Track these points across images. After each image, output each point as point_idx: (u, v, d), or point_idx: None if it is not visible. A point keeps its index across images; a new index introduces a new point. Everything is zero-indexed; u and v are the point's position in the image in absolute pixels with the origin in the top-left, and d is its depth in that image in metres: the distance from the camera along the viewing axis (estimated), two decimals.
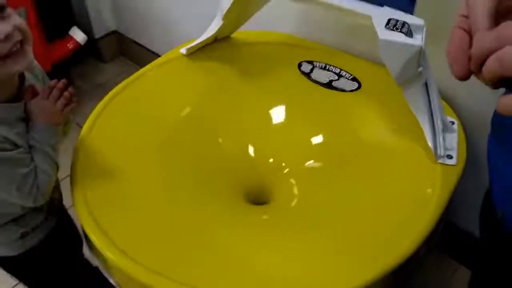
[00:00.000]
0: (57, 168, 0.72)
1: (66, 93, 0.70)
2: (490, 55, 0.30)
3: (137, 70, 1.06)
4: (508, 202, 0.55)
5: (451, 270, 1.23)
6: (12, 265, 0.83)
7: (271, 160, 1.00)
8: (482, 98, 0.96)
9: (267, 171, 0.99)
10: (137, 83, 1.01)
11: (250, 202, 0.94)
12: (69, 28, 1.66)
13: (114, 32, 1.97)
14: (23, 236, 0.77)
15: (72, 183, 0.80)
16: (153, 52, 1.83)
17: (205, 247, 0.76)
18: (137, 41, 1.90)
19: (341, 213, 0.84)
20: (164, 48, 1.73)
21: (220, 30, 1.05)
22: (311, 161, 0.99)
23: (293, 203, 0.93)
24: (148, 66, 1.06)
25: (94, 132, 0.90)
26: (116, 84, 1.02)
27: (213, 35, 1.07)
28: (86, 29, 1.78)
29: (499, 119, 0.56)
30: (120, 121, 0.94)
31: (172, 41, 1.64)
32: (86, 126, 0.91)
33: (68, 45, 1.61)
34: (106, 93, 0.98)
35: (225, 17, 0.99)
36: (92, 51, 1.92)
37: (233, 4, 0.94)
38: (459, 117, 0.92)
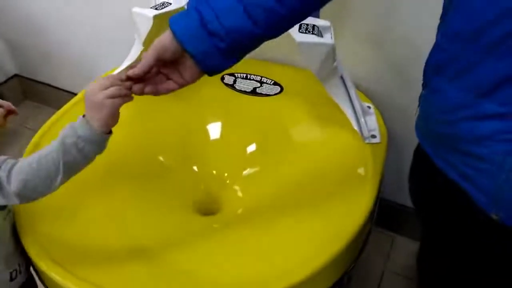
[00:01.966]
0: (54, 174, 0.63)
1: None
2: None
3: (48, 110, 1.03)
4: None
5: (389, 241, 1.36)
6: None
7: (214, 172, 1.04)
8: (388, 84, 1.10)
9: (212, 183, 1.02)
10: (66, 118, 0.99)
11: (201, 214, 0.97)
12: None
13: (15, 76, 1.88)
14: (12, 276, 0.75)
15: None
16: (62, 89, 1.77)
17: (155, 261, 0.76)
18: (43, 81, 1.82)
19: (286, 208, 0.88)
20: (73, 83, 1.70)
21: (139, 57, 1.07)
22: (251, 167, 1.04)
23: (240, 209, 0.97)
24: (72, 101, 1.05)
25: None
26: (28, 128, 0.99)
27: (133, 62, 1.08)
28: None
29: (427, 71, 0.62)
30: None
31: (82, 75, 1.62)
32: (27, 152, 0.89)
33: None
34: (19, 139, 0.96)
35: (144, 43, 1.01)
36: None
37: (150, 30, 0.97)
38: (372, 101, 1.04)
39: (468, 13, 0.49)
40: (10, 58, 1.83)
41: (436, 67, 0.57)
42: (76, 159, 0.63)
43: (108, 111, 0.62)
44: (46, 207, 0.79)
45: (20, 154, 0.91)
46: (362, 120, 0.92)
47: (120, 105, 0.63)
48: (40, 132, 0.97)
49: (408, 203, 1.26)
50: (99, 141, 0.64)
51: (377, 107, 1.02)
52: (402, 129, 1.12)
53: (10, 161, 0.64)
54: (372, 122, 0.95)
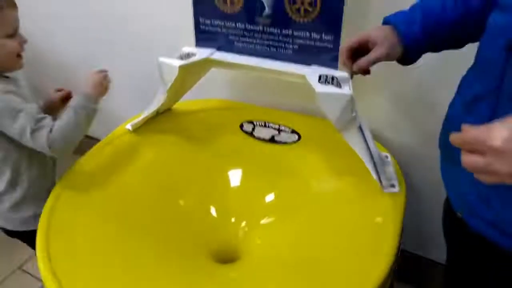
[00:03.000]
0: (81, 134, 0.93)
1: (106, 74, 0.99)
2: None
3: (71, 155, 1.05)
4: (463, 204, 0.67)
5: None
6: (25, 237, 1.04)
7: (232, 219, 1.04)
8: (405, 135, 1.11)
9: (230, 230, 1.02)
10: (91, 160, 1.02)
11: (218, 261, 0.96)
12: None
13: None
14: (35, 216, 0.94)
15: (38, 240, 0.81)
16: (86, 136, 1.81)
17: None
18: None
19: (304, 259, 0.87)
20: (96, 130, 1.74)
21: (162, 104, 1.11)
22: (269, 216, 1.03)
23: (258, 259, 0.96)
24: (98, 145, 1.08)
25: (59, 204, 0.90)
26: None
27: (156, 109, 1.12)
28: None
29: (444, 142, 0.68)
30: (82, 194, 0.95)
31: (104, 123, 1.66)
32: (49, 200, 0.91)
33: None
34: None
35: (168, 91, 1.05)
36: None
37: (175, 79, 1.01)
38: (389, 151, 1.05)
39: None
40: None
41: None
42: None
43: (104, 92, 0.98)
44: (69, 250, 0.80)
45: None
46: (380, 169, 0.92)
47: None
48: (63, 180, 0.98)
49: (429, 255, 1.24)
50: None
51: (395, 157, 1.03)
52: (420, 179, 1.12)
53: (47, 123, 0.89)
54: (391, 171, 0.95)
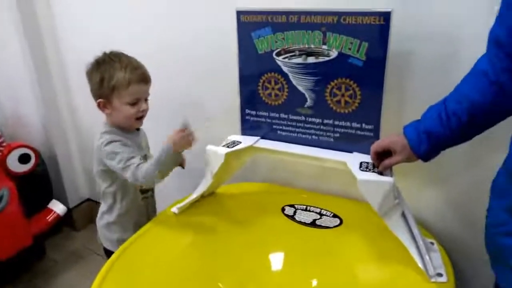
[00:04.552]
0: (160, 175, 1.05)
1: (190, 134, 1.04)
2: None
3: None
4: None
5: None
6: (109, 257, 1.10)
7: None
8: (451, 221, 1.09)
9: None
10: (137, 244, 1.06)
11: None
12: (48, 201, 1.71)
13: (88, 200, 2.03)
14: (118, 240, 1.18)
15: None
16: None
17: None
18: None
19: None
20: None
21: (207, 188, 1.16)
22: None
23: None
24: (145, 227, 1.12)
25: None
26: (90, 249, 1.04)
27: (201, 193, 1.17)
28: (61, 199, 1.84)
29: (497, 247, 0.69)
30: (126, 279, 0.97)
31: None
32: (99, 276, 0.94)
33: (48, 217, 1.63)
34: (78, 261, 1.02)
35: (214, 177, 1.11)
36: (65, 220, 1.94)
37: (221, 164, 1.06)
38: (435, 238, 1.03)
39: None
40: (85, 183, 2.01)
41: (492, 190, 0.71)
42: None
43: (181, 148, 1.06)
44: None
45: (83, 277, 0.96)
46: (426, 257, 0.90)
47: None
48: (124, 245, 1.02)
49: None
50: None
51: (441, 244, 1.01)
52: (468, 267, 1.08)
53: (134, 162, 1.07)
54: (437, 259, 0.93)
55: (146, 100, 1.12)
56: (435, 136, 0.81)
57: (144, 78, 1.08)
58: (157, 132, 1.20)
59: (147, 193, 1.24)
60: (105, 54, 1.09)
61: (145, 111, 1.12)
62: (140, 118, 1.12)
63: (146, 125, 1.19)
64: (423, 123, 0.84)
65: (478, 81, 0.71)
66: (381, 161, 0.92)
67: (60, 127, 1.85)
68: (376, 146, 0.92)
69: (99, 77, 1.06)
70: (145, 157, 1.14)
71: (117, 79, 1.04)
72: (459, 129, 0.77)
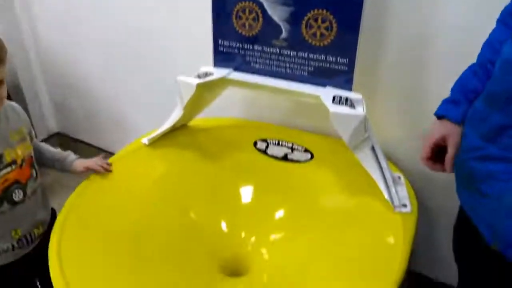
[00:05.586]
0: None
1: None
2: None
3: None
4: (499, 237, 0.64)
5: None
6: None
7: (242, 234, 1.05)
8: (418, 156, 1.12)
9: (239, 244, 1.04)
10: (105, 173, 1.05)
11: (226, 274, 0.98)
12: None
13: (57, 134, 1.99)
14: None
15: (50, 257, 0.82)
16: (100, 148, 1.86)
17: None
18: (82, 140, 1.92)
19: (311, 276, 0.89)
20: (112, 144, 1.78)
21: (179, 120, 1.14)
22: (279, 232, 1.05)
23: (267, 274, 0.97)
24: (114, 157, 1.11)
25: (71, 216, 0.92)
26: (63, 185, 1.02)
27: (172, 125, 1.15)
28: None
29: (467, 173, 0.69)
30: (95, 205, 0.97)
31: (120, 136, 1.71)
32: (62, 213, 0.93)
33: None
34: (61, 195, 1.01)
35: (185, 108, 1.08)
36: None
37: (192, 96, 1.04)
38: (402, 172, 1.06)
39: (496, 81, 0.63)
40: (53, 116, 1.96)
41: (468, 119, 0.71)
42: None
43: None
44: (80, 256, 0.83)
45: (57, 209, 0.97)
46: (393, 189, 0.93)
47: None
48: (75, 192, 1.00)
49: (438, 277, 1.24)
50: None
51: (407, 177, 1.04)
52: (433, 201, 1.12)
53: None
54: (403, 191, 0.97)
55: (2, 83, 0.87)
56: (472, 90, 0.76)
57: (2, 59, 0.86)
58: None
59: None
60: None
61: (3, 98, 0.89)
62: None
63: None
64: (453, 94, 0.80)
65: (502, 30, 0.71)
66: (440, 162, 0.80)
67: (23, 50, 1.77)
68: (429, 144, 0.81)
69: None
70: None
71: None
72: None
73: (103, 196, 1.00)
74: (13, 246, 0.94)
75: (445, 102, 0.81)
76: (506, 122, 0.60)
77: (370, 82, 1.06)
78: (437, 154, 0.81)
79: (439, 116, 0.81)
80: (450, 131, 0.77)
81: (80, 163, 1.04)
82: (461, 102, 0.77)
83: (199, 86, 1.02)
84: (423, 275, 1.27)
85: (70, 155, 1.06)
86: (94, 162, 1.04)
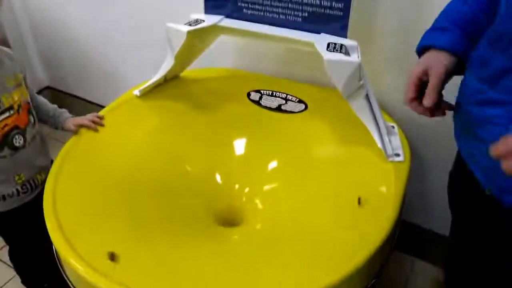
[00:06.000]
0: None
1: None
2: None
3: None
4: (493, 181, 0.64)
5: (409, 265, 1.34)
6: None
7: (236, 186, 1.05)
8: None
9: (234, 195, 1.04)
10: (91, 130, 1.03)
11: (222, 225, 0.98)
12: None
13: (47, 88, 1.95)
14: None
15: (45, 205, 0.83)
16: (91, 102, 1.83)
17: (172, 265, 0.76)
18: (73, 93, 1.89)
19: (305, 223, 0.89)
20: (103, 97, 1.76)
21: (170, 70, 1.11)
22: (272, 183, 1.05)
23: (261, 223, 0.98)
24: (105, 109, 1.09)
25: (64, 169, 0.91)
26: (55, 139, 1.02)
27: (164, 75, 1.12)
28: None
29: (465, 118, 0.67)
30: (88, 158, 0.97)
31: (111, 88, 1.68)
32: (55, 163, 0.93)
33: None
34: (55, 150, 1.00)
35: (176, 57, 1.05)
36: None
37: (183, 45, 1.01)
38: (396, 122, 1.05)
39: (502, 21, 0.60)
40: (43, 70, 1.91)
41: (468, 65, 0.68)
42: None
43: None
44: (75, 213, 0.83)
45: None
46: (386, 138, 0.93)
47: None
48: (67, 144, 0.99)
49: (431, 226, 1.26)
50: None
51: (401, 127, 1.03)
52: (427, 150, 1.12)
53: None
54: (396, 141, 0.96)
55: None
56: (461, 18, 0.69)
57: None
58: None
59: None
60: None
61: None
62: None
63: None
64: (437, 23, 0.72)
65: None
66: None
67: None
68: (412, 82, 0.71)
69: None
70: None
71: None
72: None
73: (97, 146, 0.99)
74: (18, 191, 0.98)
75: (427, 32, 0.73)
76: (509, 65, 0.57)
77: (365, 29, 1.03)
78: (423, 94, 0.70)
79: (421, 49, 0.72)
80: (433, 62, 0.68)
81: (72, 121, 1.04)
82: (448, 29, 0.69)
83: (189, 33, 0.99)
84: (415, 225, 1.29)
85: (64, 113, 1.06)
86: (85, 118, 1.03)
